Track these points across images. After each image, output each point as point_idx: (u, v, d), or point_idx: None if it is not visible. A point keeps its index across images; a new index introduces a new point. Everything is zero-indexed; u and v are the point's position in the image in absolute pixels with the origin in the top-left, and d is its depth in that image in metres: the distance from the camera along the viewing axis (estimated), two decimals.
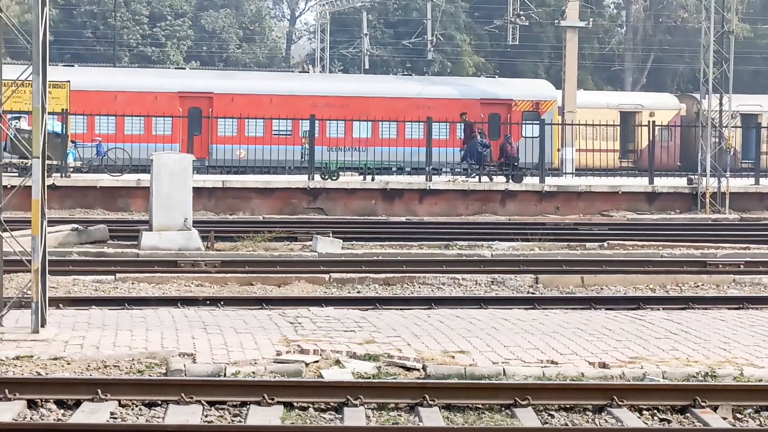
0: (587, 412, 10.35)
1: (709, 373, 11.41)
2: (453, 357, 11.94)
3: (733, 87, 38.99)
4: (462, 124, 41.71)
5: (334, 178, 36.56)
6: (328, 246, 22.96)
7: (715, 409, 10.37)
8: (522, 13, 55.29)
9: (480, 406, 10.36)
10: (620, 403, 10.36)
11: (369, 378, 11.24)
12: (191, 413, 9.96)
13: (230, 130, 43.76)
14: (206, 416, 9.99)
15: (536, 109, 48.42)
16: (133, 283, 18.44)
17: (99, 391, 10.24)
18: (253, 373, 11.22)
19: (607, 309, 16.12)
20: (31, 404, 10.17)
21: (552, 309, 15.96)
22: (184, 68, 59.79)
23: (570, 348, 12.55)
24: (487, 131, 43.82)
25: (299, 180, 36.03)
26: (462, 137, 41.61)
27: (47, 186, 13.29)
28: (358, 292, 18.36)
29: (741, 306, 16.74)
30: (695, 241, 25.97)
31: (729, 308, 16.47)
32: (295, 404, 10.29)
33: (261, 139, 42.28)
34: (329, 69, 70.06)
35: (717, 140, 39.42)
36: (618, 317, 15.00)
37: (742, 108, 38.06)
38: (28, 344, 12.26)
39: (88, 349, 12.09)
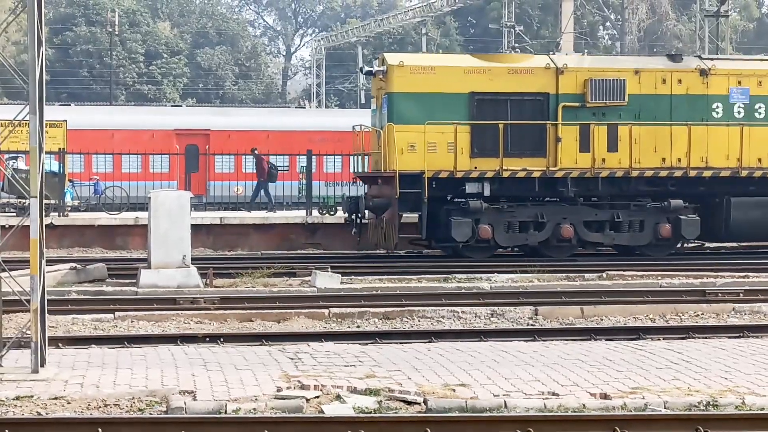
0: None
1: (711, 403, 11.39)
2: (454, 390, 11.92)
3: None
4: (255, 158, 40.14)
5: (331, 213, 36.57)
6: (327, 281, 22.95)
7: None
8: (517, 45, 55.59)
9: None
10: None
11: (370, 413, 11.21)
12: None
13: (227, 167, 43.82)
14: None
15: None
16: (132, 321, 18.42)
17: (100, 430, 10.20)
18: (254, 409, 11.19)
19: (607, 339, 16.11)
20: None
21: (552, 340, 15.94)
22: (181, 105, 60.01)
23: (571, 379, 12.53)
24: None
25: (297, 215, 36.02)
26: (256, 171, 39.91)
27: (45, 225, 13.29)
28: (358, 326, 18.32)
29: (741, 335, 16.74)
30: (694, 270, 25.96)
31: (729, 337, 16.46)
32: None
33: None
34: (325, 104, 70.24)
35: None
36: (618, 348, 14.98)
37: None
38: (28, 384, 12.23)
39: (88, 388, 12.06)
